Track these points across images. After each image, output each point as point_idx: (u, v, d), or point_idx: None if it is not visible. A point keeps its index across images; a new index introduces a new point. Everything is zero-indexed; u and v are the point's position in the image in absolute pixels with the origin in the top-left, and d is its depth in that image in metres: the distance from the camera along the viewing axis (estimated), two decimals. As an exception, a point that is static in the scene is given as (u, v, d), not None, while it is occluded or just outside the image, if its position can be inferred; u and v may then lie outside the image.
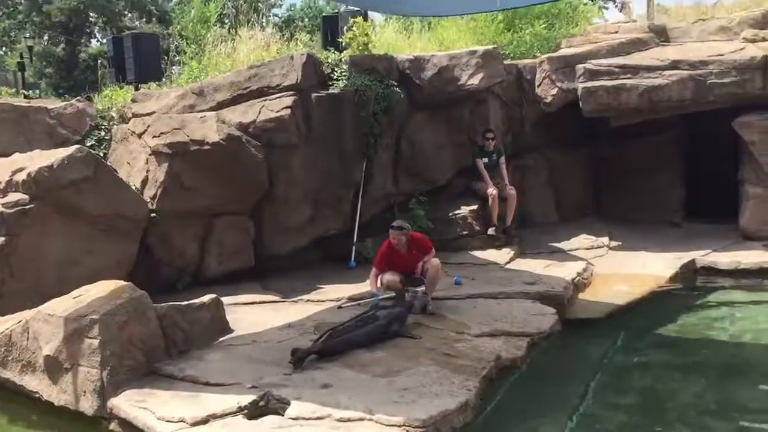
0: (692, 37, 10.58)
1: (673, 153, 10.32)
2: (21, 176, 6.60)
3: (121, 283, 5.71)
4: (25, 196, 6.53)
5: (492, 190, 9.08)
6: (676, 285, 8.01)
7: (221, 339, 5.99)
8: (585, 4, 13.92)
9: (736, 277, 8.20)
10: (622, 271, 8.31)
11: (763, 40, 9.58)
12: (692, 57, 9.30)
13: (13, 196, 6.56)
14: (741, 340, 6.47)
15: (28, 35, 32.23)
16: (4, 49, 35.59)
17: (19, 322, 5.57)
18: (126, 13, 36.70)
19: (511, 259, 8.67)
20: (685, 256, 8.58)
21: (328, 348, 5.51)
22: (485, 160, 9.37)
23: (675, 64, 9.23)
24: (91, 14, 35.55)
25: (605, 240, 9.54)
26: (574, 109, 9.66)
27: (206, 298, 6.04)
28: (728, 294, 7.83)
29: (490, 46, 9.80)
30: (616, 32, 11.08)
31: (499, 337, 6.00)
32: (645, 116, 9.58)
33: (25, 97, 11.38)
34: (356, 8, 10.33)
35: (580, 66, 9.56)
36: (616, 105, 9.36)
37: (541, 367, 5.82)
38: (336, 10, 13.94)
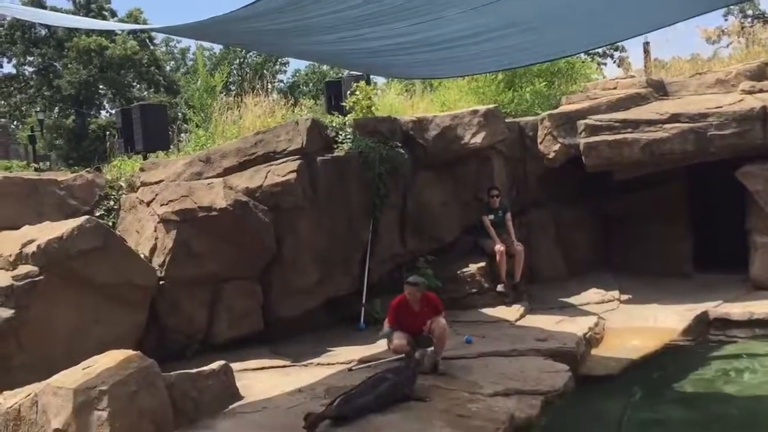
0: (690, 91, 10.74)
1: (680, 203, 10.34)
2: (31, 248, 6.65)
3: (130, 352, 5.67)
4: (35, 268, 6.56)
5: (499, 247, 9.09)
6: (689, 338, 7.92)
7: (231, 406, 5.91)
8: (583, 62, 14.19)
9: (749, 327, 8.07)
10: (634, 325, 8.24)
11: (761, 91, 9.72)
12: (692, 110, 9.42)
13: (23, 269, 6.58)
14: (759, 392, 6.35)
15: (38, 109, 32.98)
16: (15, 123, 36.35)
17: (28, 395, 5.52)
18: (134, 84, 37.59)
19: (522, 316, 8.60)
20: (697, 308, 8.49)
21: (342, 413, 5.43)
22: (491, 217, 9.41)
23: (675, 117, 9.34)
24: (100, 86, 36.43)
25: (615, 293, 9.48)
26: (577, 164, 9.74)
27: (216, 365, 5.99)
28: (743, 345, 7.72)
29: (492, 105, 9.98)
30: (615, 88, 11.27)
31: (513, 396, 5.91)
32: (648, 169, 9.64)
33: (36, 169, 11.56)
34: (359, 72, 10.56)
35: (581, 122, 9.69)
36: (619, 159, 9.43)
37: (557, 426, 5.72)
38: (339, 75, 14.23)
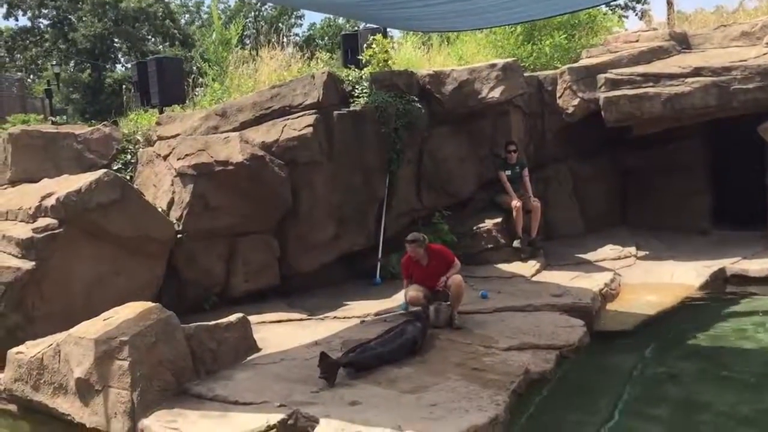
0: (714, 44, 10.51)
1: (699, 159, 10.22)
2: (50, 201, 6.72)
3: (150, 304, 5.76)
4: (55, 221, 6.63)
5: (516, 202, 9.05)
6: (705, 294, 7.91)
7: (249, 358, 6.01)
8: (604, 14, 13.88)
9: (767, 284, 8.05)
10: (650, 281, 8.22)
11: (787, 44, 9.49)
12: (715, 63, 9.23)
13: (43, 221, 6.66)
14: (775, 348, 6.35)
15: (54, 62, 32.91)
16: (32, 76, 36.40)
17: (51, 345, 5.64)
18: (149, 37, 37.39)
19: (537, 272, 8.61)
20: (714, 265, 8.47)
21: (359, 362, 5.51)
22: (508, 172, 9.35)
23: (697, 71, 9.16)
24: (115, 40, 36.28)
25: (632, 249, 9.45)
26: (596, 119, 9.62)
27: (233, 317, 6.07)
28: (760, 302, 7.69)
29: (510, 59, 9.81)
30: (637, 41, 11.05)
31: (528, 351, 5.95)
32: (668, 124, 9.51)
33: (53, 123, 11.59)
34: (376, 26, 10.41)
35: (602, 76, 9.53)
36: (639, 114, 9.30)
37: (571, 380, 5.76)
38: (356, 28, 14.04)
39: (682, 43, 10.67)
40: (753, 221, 9.42)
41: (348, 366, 5.47)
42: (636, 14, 33.75)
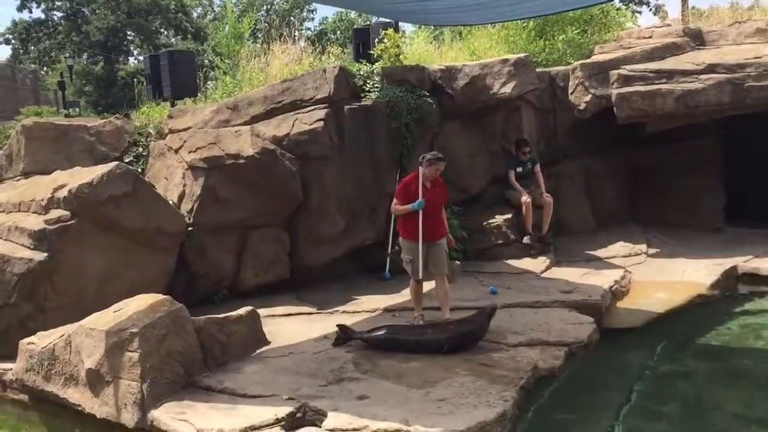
0: (729, 40, 10.42)
1: (713, 156, 10.15)
2: (62, 193, 6.76)
3: (160, 296, 5.79)
4: (67, 213, 6.67)
5: (526, 198, 9.02)
6: (717, 292, 7.86)
7: (258, 351, 6.03)
8: (618, 10, 13.79)
9: (780, 283, 8.00)
10: (661, 279, 8.18)
11: (803, 40, 9.40)
12: (729, 60, 9.15)
13: (55, 213, 6.70)
14: (786, 348, 6.31)
15: (67, 55, 33.06)
16: (45, 69, 36.58)
17: (62, 336, 5.68)
18: (162, 30, 37.46)
19: (547, 268, 8.58)
20: (726, 263, 8.41)
21: (370, 339, 5.89)
22: (519, 169, 9.31)
23: (711, 68, 9.08)
24: (128, 33, 36.38)
25: (643, 247, 9.40)
26: (608, 116, 9.56)
27: (243, 310, 6.09)
28: (772, 301, 7.65)
29: (522, 55, 9.76)
30: (650, 37, 10.97)
31: (537, 347, 5.94)
32: (681, 121, 9.44)
33: (66, 115, 11.66)
34: (387, 20, 10.39)
35: (614, 72, 9.47)
36: (652, 111, 9.23)
37: (580, 377, 5.74)
38: (367, 23, 14.01)
39: (696, 39, 10.58)
40: (766, 219, 9.33)
41: (361, 340, 5.89)
42: (650, 10, 33.58)
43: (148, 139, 8.94)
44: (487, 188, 9.59)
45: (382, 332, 6.00)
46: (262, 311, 6.56)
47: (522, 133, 9.59)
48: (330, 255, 8.26)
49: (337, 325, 6.21)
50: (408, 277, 6.73)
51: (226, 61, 11.37)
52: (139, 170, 8.20)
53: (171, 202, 7.58)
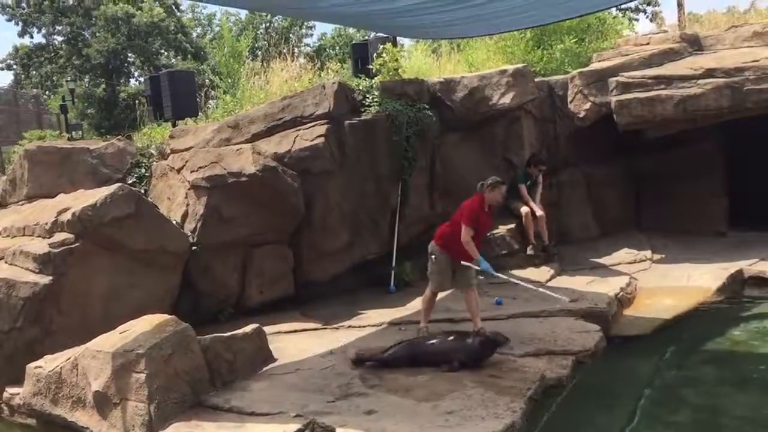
0: (726, 45, 10.44)
1: (715, 161, 10.13)
2: (66, 216, 6.78)
3: (165, 316, 5.79)
4: (71, 236, 6.69)
5: (525, 209, 9.04)
6: (723, 297, 7.83)
7: (265, 368, 6.02)
8: (615, 18, 13.85)
9: (786, 286, 7.97)
10: (666, 285, 8.16)
11: (800, 43, 9.41)
12: (727, 64, 9.17)
13: (60, 236, 6.73)
14: (795, 351, 6.28)
15: (69, 78, 33.24)
16: (47, 93, 36.77)
17: (69, 359, 5.69)
18: (162, 51, 37.64)
19: (552, 277, 8.57)
20: (731, 267, 8.38)
21: (384, 360, 5.89)
22: (528, 182, 9.32)
23: (710, 73, 9.09)
24: (129, 55, 36.56)
25: (648, 253, 9.38)
26: (608, 123, 9.57)
27: (249, 328, 6.08)
28: (779, 304, 7.62)
29: (520, 65, 9.81)
30: (648, 44, 11.00)
31: (543, 357, 5.93)
32: (681, 126, 9.45)
33: (69, 139, 11.71)
34: (385, 34, 10.44)
35: (612, 79, 9.49)
36: (651, 117, 9.24)
37: (588, 386, 5.72)
38: (365, 38, 14.09)
39: (694, 44, 10.61)
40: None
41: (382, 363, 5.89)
42: (647, 17, 33.59)
43: (151, 159, 8.96)
44: (489, 199, 9.57)
45: (398, 352, 5.98)
46: (267, 328, 6.56)
47: (523, 142, 9.61)
48: (334, 269, 8.26)
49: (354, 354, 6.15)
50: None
51: (226, 80, 11.42)
52: (142, 191, 8.21)
53: (174, 222, 7.60)
